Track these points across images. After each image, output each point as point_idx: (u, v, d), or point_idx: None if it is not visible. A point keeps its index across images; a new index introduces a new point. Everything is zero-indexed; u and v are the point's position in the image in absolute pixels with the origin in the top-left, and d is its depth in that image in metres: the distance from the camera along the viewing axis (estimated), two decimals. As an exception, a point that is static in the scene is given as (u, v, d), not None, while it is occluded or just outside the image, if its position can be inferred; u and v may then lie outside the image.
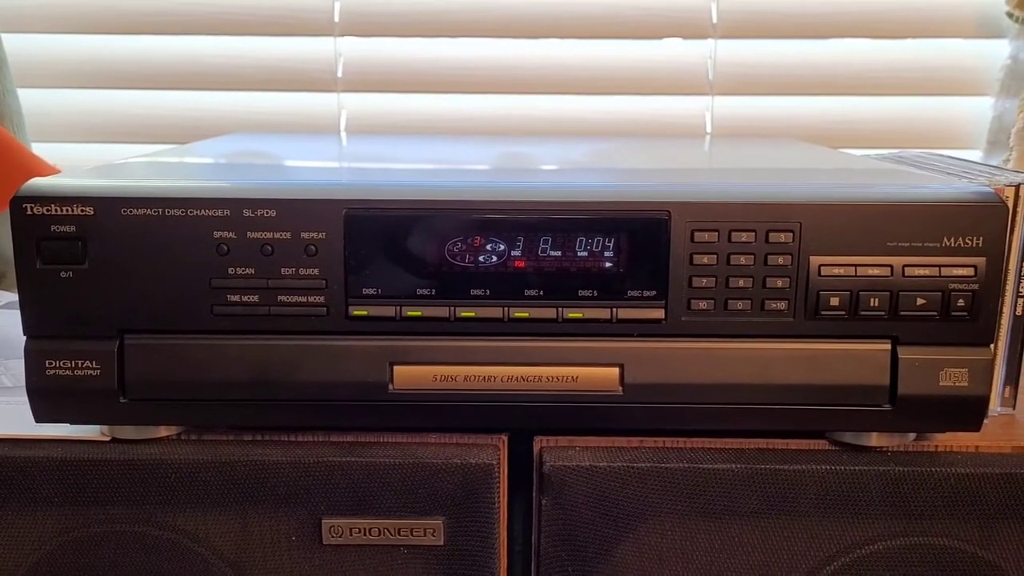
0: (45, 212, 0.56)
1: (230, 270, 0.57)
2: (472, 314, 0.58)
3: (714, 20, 1.17)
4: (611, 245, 0.58)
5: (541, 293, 0.58)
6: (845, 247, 0.57)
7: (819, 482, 0.61)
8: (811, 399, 0.59)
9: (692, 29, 1.18)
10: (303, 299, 0.58)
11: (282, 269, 0.58)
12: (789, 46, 1.19)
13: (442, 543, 0.62)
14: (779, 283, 0.58)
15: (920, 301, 0.57)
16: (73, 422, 0.61)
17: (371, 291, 0.58)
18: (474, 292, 0.58)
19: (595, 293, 0.58)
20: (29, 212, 0.56)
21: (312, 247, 0.57)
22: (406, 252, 0.58)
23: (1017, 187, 0.64)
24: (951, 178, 0.66)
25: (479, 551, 0.62)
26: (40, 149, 1.18)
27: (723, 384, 0.59)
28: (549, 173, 0.73)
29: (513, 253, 0.58)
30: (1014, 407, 0.68)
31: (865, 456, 0.61)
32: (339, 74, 1.20)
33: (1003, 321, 0.66)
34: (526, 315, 0.58)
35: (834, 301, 0.58)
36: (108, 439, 0.62)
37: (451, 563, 0.62)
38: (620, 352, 0.59)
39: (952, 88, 1.20)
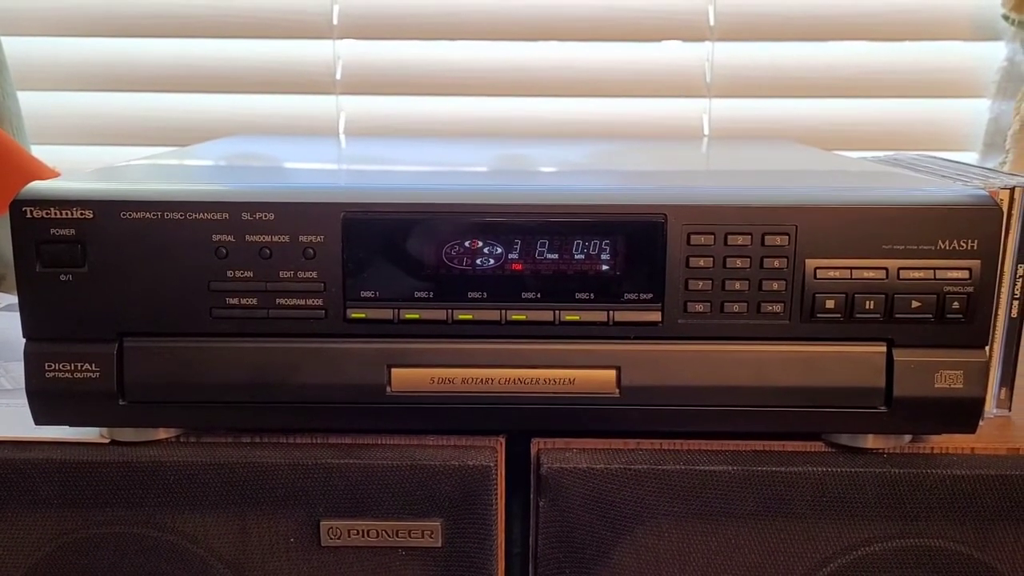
0: (45, 215, 0.56)
1: (229, 273, 0.58)
2: (470, 317, 0.59)
3: (711, 22, 1.17)
4: (608, 248, 0.58)
5: (538, 296, 0.59)
6: (841, 250, 0.57)
7: (815, 484, 0.61)
8: (807, 401, 0.60)
9: (689, 31, 1.18)
10: (301, 302, 0.58)
11: (280, 272, 0.58)
12: (786, 48, 1.19)
13: (440, 545, 0.62)
14: (775, 286, 0.58)
15: (915, 304, 0.58)
16: (72, 424, 0.61)
17: (369, 294, 0.58)
18: (471, 295, 0.58)
19: (592, 296, 0.59)
20: (29, 215, 0.56)
21: (310, 250, 0.57)
22: (404, 255, 0.58)
23: (1012, 190, 0.64)
24: (946, 181, 0.66)
25: (477, 553, 0.62)
26: (39, 152, 1.18)
27: (720, 386, 0.59)
28: (547, 176, 0.73)
29: (510, 256, 0.58)
30: (1010, 409, 0.68)
31: (861, 458, 0.62)
32: (338, 77, 1.20)
33: (998, 323, 0.66)
34: (523, 318, 0.59)
35: (830, 304, 0.58)
36: (107, 441, 0.62)
37: (449, 565, 0.62)
38: (617, 354, 0.59)
39: (948, 90, 1.20)
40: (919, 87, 1.19)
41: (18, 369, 0.60)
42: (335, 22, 1.19)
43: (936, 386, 0.59)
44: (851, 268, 0.57)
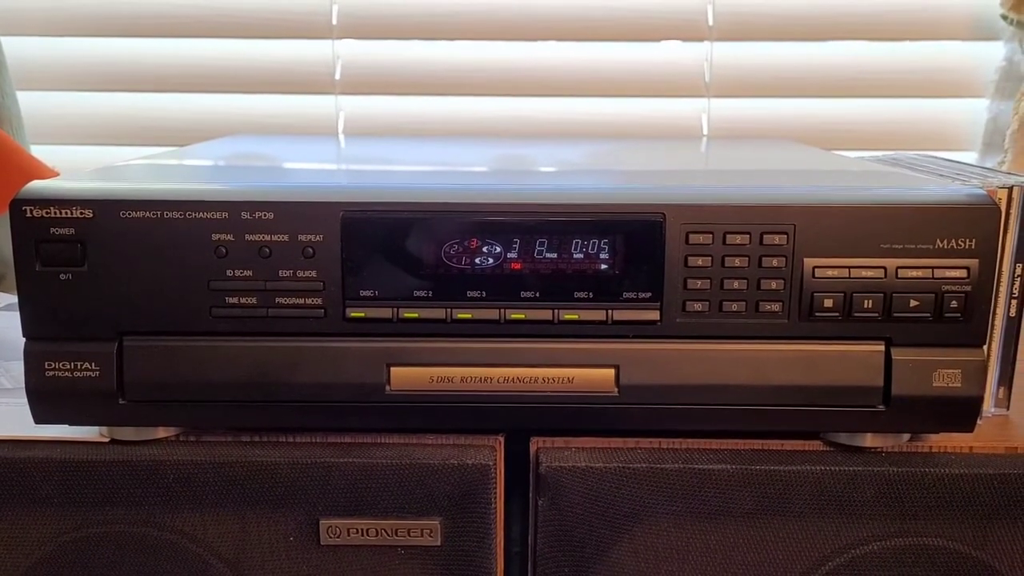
0: (44, 215, 0.56)
1: (228, 272, 0.58)
2: (469, 316, 0.59)
3: (710, 22, 1.18)
4: (607, 247, 0.58)
5: (537, 295, 0.59)
6: (839, 249, 0.57)
7: (814, 483, 0.61)
8: (805, 400, 0.60)
9: (688, 31, 1.18)
10: (301, 301, 0.58)
11: (280, 271, 0.58)
12: (785, 48, 1.19)
13: (439, 544, 0.62)
14: (773, 285, 0.58)
15: (913, 302, 0.58)
16: (72, 423, 0.61)
17: (368, 293, 0.58)
18: (471, 294, 0.59)
19: (591, 295, 0.59)
20: (29, 215, 0.56)
21: (309, 249, 0.58)
22: (403, 254, 0.58)
23: (1010, 189, 0.64)
24: (945, 180, 0.66)
25: (476, 551, 0.62)
26: (39, 152, 1.18)
27: (718, 385, 0.59)
28: (545, 175, 0.73)
29: (509, 255, 0.58)
30: (1008, 408, 0.69)
31: (859, 457, 0.62)
32: (337, 76, 1.21)
33: (996, 322, 0.66)
34: (522, 317, 0.59)
35: (828, 303, 0.58)
36: (107, 440, 0.62)
37: (448, 563, 0.62)
38: (616, 353, 0.59)
39: (947, 90, 1.20)
40: (918, 87, 1.19)
41: (18, 368, 0.60)
42: (334, 22, 1.19)
43: (934, 385, 0.59)
44: (849, 267, 0.58)
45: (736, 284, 0.58)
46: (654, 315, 0.59)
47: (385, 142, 0.99)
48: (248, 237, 0.57)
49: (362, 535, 0.62)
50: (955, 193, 0.58)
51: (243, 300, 0.58)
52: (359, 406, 0.60)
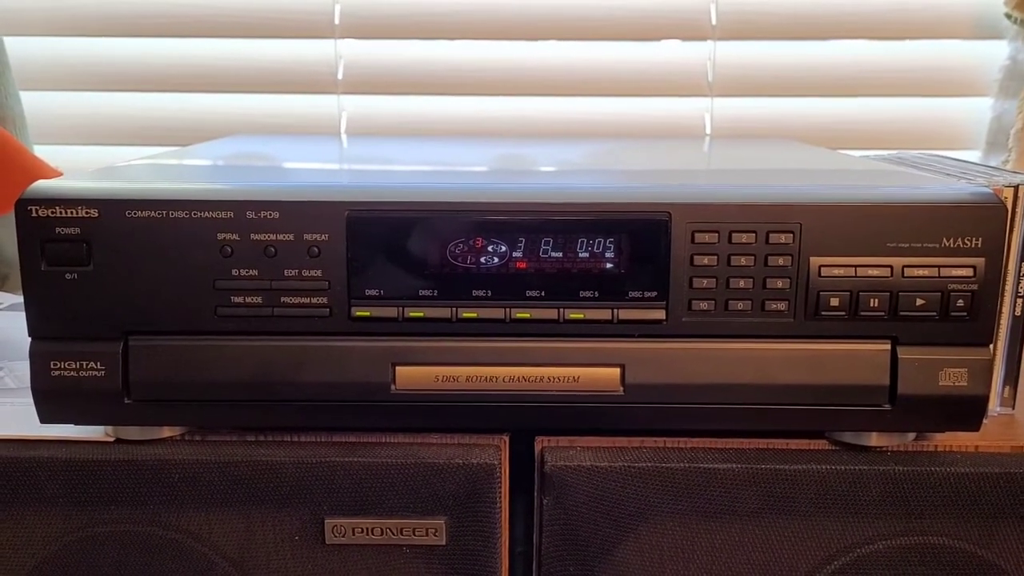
0: (50, 214, 0.56)
1: (234, 271, 0.58)
2: (474, 315, 0.59)
3: (713, 22, 1.18)
4: (612, 246, 0.58)
5: (542, 294, 0.59)
6: (845, 248, 0.57)
7: (819, 482, 0.61)
8: (811, 399, 0.60)
9: (691, 31, 1.18)
10: (306, 300, 0.58)
11: (285, 270, 0.58)
12: (788, 47, 1.19)
13: (444, 543, 0.62)
14: (779, 284, 0.58)
15: (920, 301, 0.58)
16: (78, 423, 0.61)
17: (373, 292, 0.58)
18: (476, 293, 0.58)
19: (596, 294, 0.59)
20: (34, 214, 0.56)
21: (315, 248, 0.58)
22: (408, 253, 0.58)
23: (1016, 187, 0.64)
24: (950, 179, 0.66)
25: (481, 551, 0.62)
26: (42, 152, 1.18)
27: (724, 384, 0.59)
28: (550, 174, 0.73)
29: (514, 254, 0.58)
30: (1013, 407, 0.68)
31: (865, 456, 0.62)
32: (339, 76, 1.21)
33: (1002, 321, 0.66)
34: (528, 316, 0.59)
35: (834, 301, 0.58)
36: (112, 440, 0.62)
37: (453, 563, 0.62)
38: (621, 352, 0.59)
39: (951, 89, 1.20)
40: (922, 86, 1.19)
41: (23, 368, 0.60)
42: (337, 22, 1.19)
43: (940, 384, 0.59)
44: (855, 266, 0.58)
45: (742, 283, 0.58)
46: (660, 314, 0.59)
47: (388, 142, 0.99)
48: (253, 236, 0.57)
49: (367, 534, 0.62)
50: (961, 192, 0.58)
51: (248, 300, 0.58)
52: (364, 405, 0.60)
